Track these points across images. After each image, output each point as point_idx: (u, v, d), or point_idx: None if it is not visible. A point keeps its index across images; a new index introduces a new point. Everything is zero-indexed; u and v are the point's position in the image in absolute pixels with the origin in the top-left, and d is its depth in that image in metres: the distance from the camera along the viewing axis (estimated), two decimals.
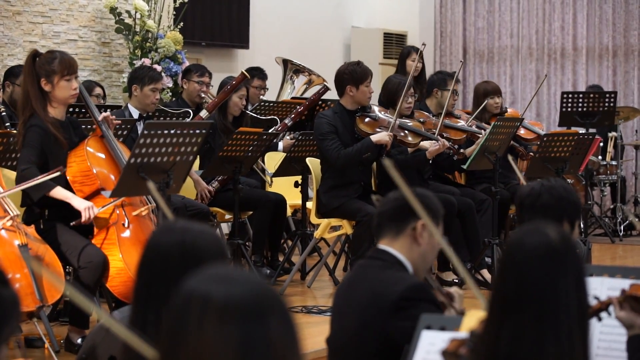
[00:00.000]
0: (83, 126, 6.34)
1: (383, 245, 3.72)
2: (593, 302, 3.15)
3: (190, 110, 8.11)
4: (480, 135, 8.10)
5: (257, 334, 1.80)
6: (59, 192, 5.73)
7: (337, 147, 7.53)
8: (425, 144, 7.78)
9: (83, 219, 5.68)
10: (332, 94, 8.79)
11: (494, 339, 2.42)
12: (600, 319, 3.17)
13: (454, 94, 8.52)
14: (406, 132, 7.82)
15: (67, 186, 5.86)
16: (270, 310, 1.83)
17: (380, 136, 7.55)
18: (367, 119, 7.72)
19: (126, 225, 5.93)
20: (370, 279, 3.67)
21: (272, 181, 8.40)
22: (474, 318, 3.01)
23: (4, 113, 7.39)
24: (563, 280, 2.43)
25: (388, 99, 7.97)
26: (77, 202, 5.71)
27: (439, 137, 7.82)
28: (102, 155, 6.02)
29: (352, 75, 7.66)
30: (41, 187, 5.67)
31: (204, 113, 8.07)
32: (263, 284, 1.86)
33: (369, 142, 7.53)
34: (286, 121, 8.59)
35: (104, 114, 6.17)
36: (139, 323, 2.60)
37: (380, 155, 7.64)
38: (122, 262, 5.78)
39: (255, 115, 8.60)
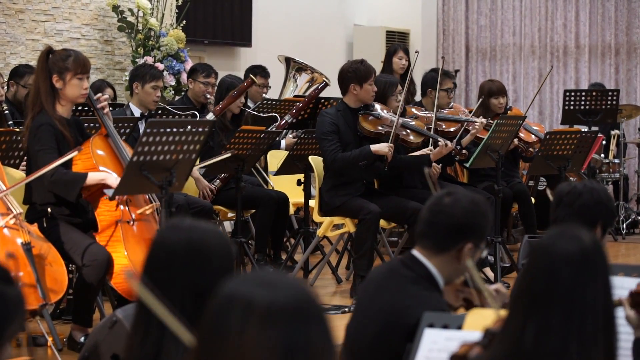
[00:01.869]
0: (91, 124, 6.36)
1: (419, 255, 3.59)
2: None
3: (196, 112, 8.10)
4: (474, 123, 8.12)
5: (298, 339, 1.81)
6: (93, 177, 5.78)
7: (334, 149, 7.50)
8: (425, 150, 7.75)
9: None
10: (334, 92, 8.79)
11: (518, 334, 2.44)
12: None
13: (448, 92, 8.51)
14: (408, 131, 7.82)
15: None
16: (312, 316, 1.84)
17: (380, 147, 7.49)
18: (370, 117, 7.72)
19: (131, 223, 5.94)
20: (396, 292, 3.58)
21: (272, 186, 8.39)
22: (478, 316, 3.01)
23: (7, 111, 7.40)
24: (593, 285, 2.46)
25: (378, 100, 7.94)
26: (113, 180, 5.76)
27: (441, 138, 7.80)
28: (108, 154, 6.02)
29: (356, 73, 7.65)
30: (74, 183, 5.73)
31: (210, 116, 8.07)
32: (305, 289, 1.87)
33: (368, 151, 7.49)
34: (286, 118, 8.59)
35: (101, 97, 6.17)
36: (143, 322, 2.59)
37: (380, 164, 7.59)
38: (126, 259, 5.78)
39: (255, 112, 8.61)
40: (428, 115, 8.12)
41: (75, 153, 5.70)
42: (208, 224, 2.66)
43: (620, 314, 3.15)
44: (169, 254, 2.59)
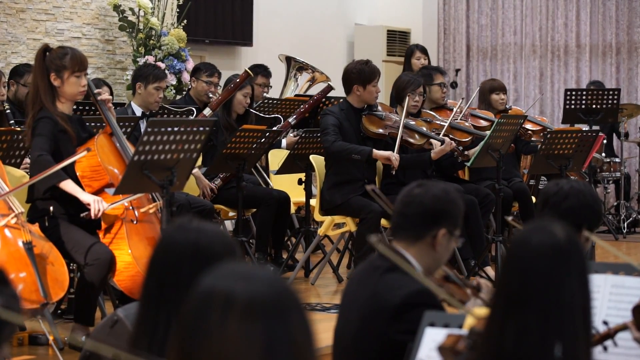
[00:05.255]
0: (93, 124, 6.36)
1: (397, 247, 3.66)
2: (602, 328, 3.09)
3: (193, 109, 8.11)
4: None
5: (280, 331, 1.81)
6: (68, 185, 5.72)
7: (335, 137, 7.53)
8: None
9: (93, 213, 5.68)
10: (336, 92, 8.79)
11: (498, 334, 2.43)
12: (605, 349, 3.07)
13: (442, 87, 8.54)
14: (411, 132, 7.81)
15: (76, 181, 5.86)
16: (290, 306, 1.84)
17: (384, 154, 7.48)
18: (373, 118, 7.73)
19: (134, 221, 5.95)
20: (375, 281, 3.64)
21: (272, 186, 8.39)
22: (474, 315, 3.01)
23: (8, 111, 7.40)
24: (568, 279, 2.43)
25: (396, 95, 8.03)
26: (86, 197, 5.72)
27: (445, 138, 7.79)
28: (112, 152, 6.03)
29: (359, 74, 7.65)
30: (52, 177, 5.65)
31: (207, 111, 8.08)
32: (282, 280, 1.87)
33: (368, 151, 7.49)
34: (289, 120, 8.60)
35: (103, 95, 6.15)
36: (150, 323, 2.57)
37: (387, 145, 7.63)
38: (130, 256, 5.78)
39: (259, 113, 8.61)
40: (442, 123, 8.09)
41: (85, 153, 5.70)
42: (214, 226, 2.66)
43: (628, 336, 3.10)
44: (176, 256, 2.57)
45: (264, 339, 1.79)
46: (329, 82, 9.00)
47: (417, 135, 7.82)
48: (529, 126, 8.84)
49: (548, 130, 8.68)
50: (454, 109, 8.34)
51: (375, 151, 7.52)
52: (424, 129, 7.87)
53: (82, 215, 5.76)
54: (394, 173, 7.57)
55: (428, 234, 3.60)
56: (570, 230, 2.50)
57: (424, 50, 10.06)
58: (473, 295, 3.60)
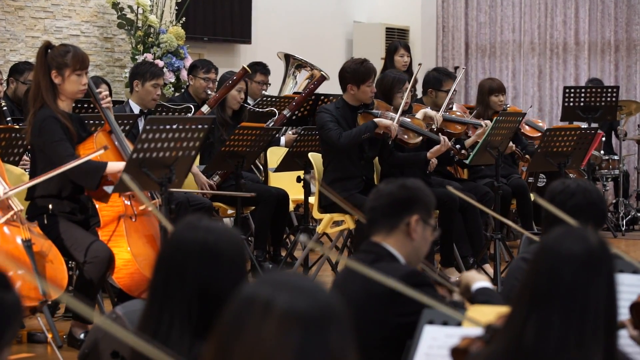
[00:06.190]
0: (91, 121, 6.36)
1: (376, 240, 3.72)
2: None
3: (191, 106, 8.10)
4: (479, 128, 8.12)
5: (316, 343, 1.81)
6: (112, 167, 5.75)
7: (338, 131, 7.52)
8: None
9: None
10: (334, 89, 8.78)
11: (519, 329, 2.44)
12: None
13: (448, 93, 8.50)
14: (407, 130, 7.81)
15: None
16: (331, 321, 1.84)
17: (385, 121, 7.50)
18: (369, 117, 7.72)
19: (134, 219, 5.95)
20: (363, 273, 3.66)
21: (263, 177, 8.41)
22: (478, 313, 3.01)
23: (5, 108, 7.40)
24: (595, 283, 2.46)
25: (384, 95, 7.95)
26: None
27: (441, 137, 7.78)
28: (111, 150, 6.03)
29: (353, 74, 7.62)
30: (96, 170, 5.69)
31: (205, 108, 8.07)
32: (327, 294, 1.87)
33: (372, 124, 7.50)
34: (284, 112, 8.59)
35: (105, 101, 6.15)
36: (153, 320, 2.57)
37: (385, 143, 7.62)
38: (129, 254, 5.78)
39: (253, 108, 8.61)
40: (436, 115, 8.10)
41: (102, 151, 5.70)
42: (223, 226, 2.65)
43: (625, 333, 3.11)
44: (184, 253, 2.57)
45: (298, 349, 1.80)
46: (323, 73, 8.98)
47: (413, 134, 7.81)
48: (527, 130, 8.87)
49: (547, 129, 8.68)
50: (446, 100, 8.34)
51: (376, 120, 7.51)
52: (421, 127, 7.86)
53: (104, 188, 5.78)
54: (390, 143, 7.55)
55: (401, 221, 3.66)
56: (603, 237, 2.52)
57: (407, 48, 10.04)
58: (450, 293, 3.64)
